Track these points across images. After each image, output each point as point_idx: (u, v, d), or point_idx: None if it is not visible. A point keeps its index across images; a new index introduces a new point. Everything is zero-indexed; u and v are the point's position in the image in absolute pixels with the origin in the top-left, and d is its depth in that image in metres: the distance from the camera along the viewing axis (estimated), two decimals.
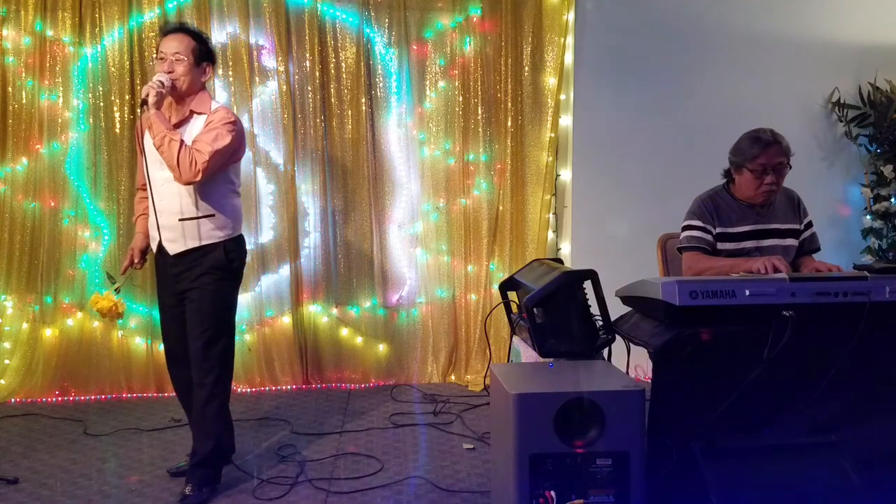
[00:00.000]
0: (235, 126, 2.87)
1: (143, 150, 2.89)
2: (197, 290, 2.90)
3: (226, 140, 2.82)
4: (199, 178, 2.78)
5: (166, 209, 2.88)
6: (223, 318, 2.97)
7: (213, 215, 2.90)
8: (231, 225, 2.98)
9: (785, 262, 2.71)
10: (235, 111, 4.14)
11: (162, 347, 3.17)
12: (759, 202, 2.97)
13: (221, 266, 2.93)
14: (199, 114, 2.90)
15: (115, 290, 3.06)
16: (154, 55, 3.04)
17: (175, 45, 2.85)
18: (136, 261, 3.08)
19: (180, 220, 2.87)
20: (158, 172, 2.85)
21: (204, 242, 2.90)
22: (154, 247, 2.98)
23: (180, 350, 2.99)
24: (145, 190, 2.95)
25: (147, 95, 2.75)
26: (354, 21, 4.23)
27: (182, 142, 2.77)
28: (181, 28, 2.95)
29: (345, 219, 4.35)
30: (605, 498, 2.13)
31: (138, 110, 2.87)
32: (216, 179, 2.88)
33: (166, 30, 2.99)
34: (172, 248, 2.90)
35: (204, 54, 2.92)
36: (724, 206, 3.01)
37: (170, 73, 2.83)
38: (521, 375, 2.35)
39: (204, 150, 2.77)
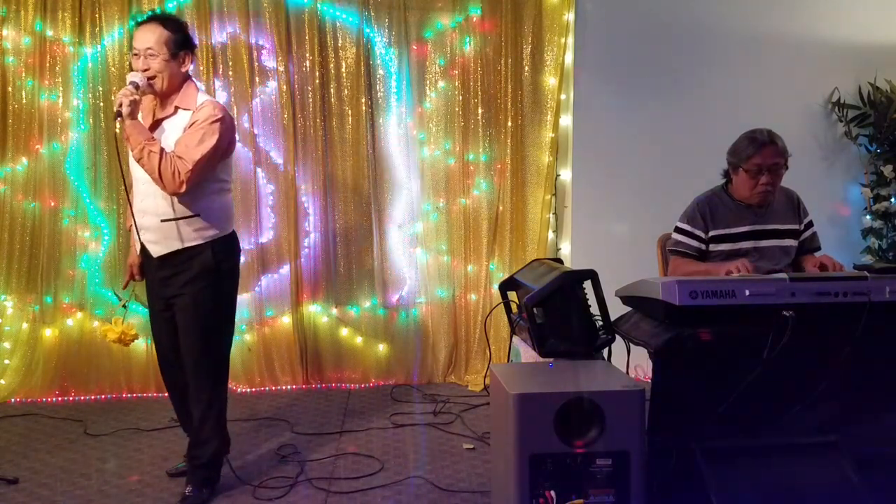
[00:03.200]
0: (223, 122, 2.70)
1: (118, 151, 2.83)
2: (185, 297, 2.78)
3: (212, 140, 2.66)
4: (183, 189, 2.64)
5: (148, 210, 2.74)
6: (215, 327, 2.86)
7: (197, 215, 2.75)
8: (219, 225, 2.83)
9: (748, 263, 2.71)
10: (235, 111, 4.17)
11: None
12: (755, 203, 2.98)
13: (209, 269, 2.79)
14: (185, 109, 2.75)
15: (122, 305, 3.01)
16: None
17: (147, 39, 2.67)
18: (136, 276, 2.97)
19: (162, 221, 2.73)
20: (138, 172, 2.72)
21: (188, 244, 2.76)
22: (138, 249, 2.89)
23: (172, 354, 2.91)
24: None
25: (120, 106, 2.59)
26: (354, 21, 4.23)
27: (162, 151, 2.62)
28: (153, 18, 2.76)
29: (345, 219, 4.35)
30: (605, 498, 2.13)
31: (114, 122, 2.67)
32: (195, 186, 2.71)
33: (138, 21, 2.79)
34: (155, 251, 2.78)
35: (180, 43, 2.72)
36: (722, 207, 3.01)
37: (145, 70, 2.67)
38: (521, 375, 2.35)
39: (187, 157, 2.62)
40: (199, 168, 2.65)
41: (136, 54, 2.70)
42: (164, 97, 2.77)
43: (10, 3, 4.03)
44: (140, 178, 2.75)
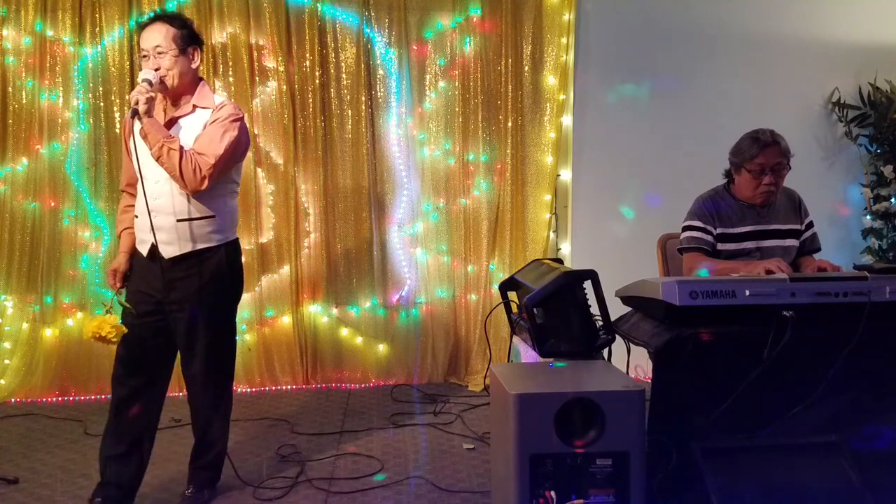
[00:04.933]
0: (242, 122, 2.72)
1: (128, 150, 2.71)
2: (197, 304, 2.70)
3: (233, 136, 2.64)
4: (205, 185, 2.59)
5: (162, 209, 2.65)
6: (229, 332, 2.86)
7: (212, 217, 2.70)
8: (231, 228, 2.81)
9: (785, 263, 2.70)
10: None
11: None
12: (757, 203, 2.98)
13: (224, 274, 2.76)
14: (204, 108, 2.71)
15: (106, 311, 2.73)
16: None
17: (154, 38, 2.62)
18: (118, 285, 2.80)
19: (178, 220, 2.66)
20: (153, 170, 2.62)
21: (202, 246, 2.70)
22: (144, 251, 2.72)
23: (144, 362, 2.74)
24: (132, 195, 2.78)
25: (137, 104, 2.51)
26: (354, 21, 4.23)
27: (182, 149, 2.56)
28: (156, 18, 2.70)
29: (345, 219, 4.35)
30: (605, 498, 2.13)
31: (129, 119, 2.54)
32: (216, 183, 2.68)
33: (142, 24, 2.72)
34: (168, 252, 2.67)
35: (187, 39, 2.67)
36: (725, 207, 3.01)
37: (156, 69, 2.62)
38: (521, 375, 2.34)
39: (208, 152, 2.58)
40: (221, 164, 2.61)
41: (144, 56, 2.65)
42: (175, 96, 2.71)
43: (10, 3, 4.04)
44: (150, 177, 2.63)
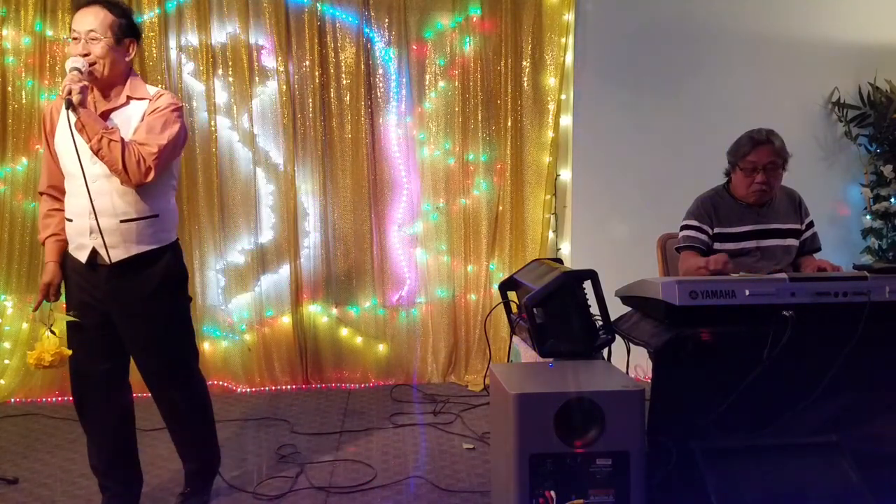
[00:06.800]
0: (181, 112, 2.55)
1: (51, 147, 2.55)
2: (152, 308, 2.56)
3: (175, 128, 2.47)
4: (150, 176, 2.40)
5: (104, 210, 2.45)
6: (186, 331, 2.72)
7: (155, 216, 2.53)
8: (173, 228, 2.65)
9: (728, 260, 2.77)
10: (235, 111, 4.18)
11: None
12: (751, 201, 2.99)
13: (174, 275, 2.62)
14: (139, 99, 2.52)
15: (51, 330, 2.54)
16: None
17: (89, 22, 2.42)
18: (50, 298, 2.61)
19: (122, 221, 2.47)
20: (92, 167, 2.41)
21: (151, 247, 2.53)
22: (83, 257, 2.51)
23: (98, 376, 2.61)
24: (55, 197, 2.59)
25: (69, 94, 2.31)
26: (354, 21, 4.23)
27: (123, 140, 2.37)
28: (95, 0, 2.47)
29: (345, 219, 4.35)
30: (605, 498, 2.13)
31: (66, 112, 2.35)
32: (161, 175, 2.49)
33: (78, 3, 2.49)
34: (115, 255, 2.47)
35: (125, 29, 2.48)
36: (725, 206, 3.02)
37: (85, 55, 2.42)
38: (521, 375, 2.35)
39: (151, 142, 2.40)
40: (165, 154, 2.44)
41: (75, 38, 2.44)
42: (104, 88, 2.51)
43: (10, 3, 4.03)
44: (92, 174, 2.42)
